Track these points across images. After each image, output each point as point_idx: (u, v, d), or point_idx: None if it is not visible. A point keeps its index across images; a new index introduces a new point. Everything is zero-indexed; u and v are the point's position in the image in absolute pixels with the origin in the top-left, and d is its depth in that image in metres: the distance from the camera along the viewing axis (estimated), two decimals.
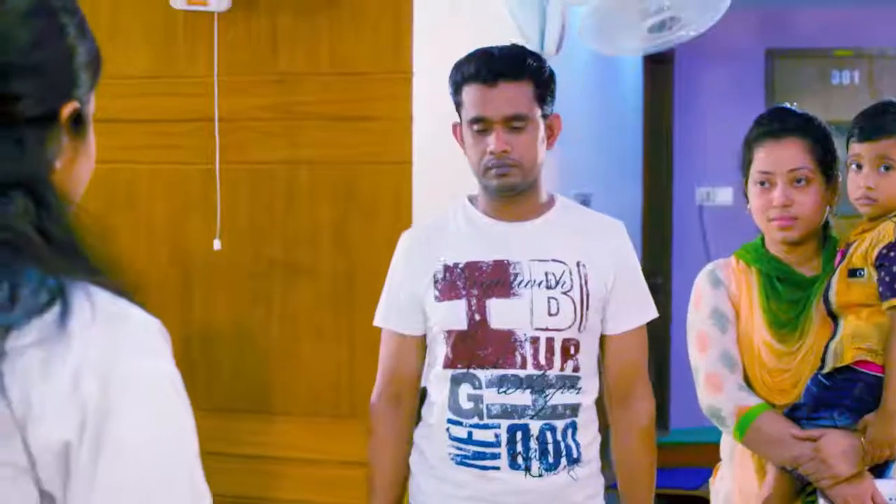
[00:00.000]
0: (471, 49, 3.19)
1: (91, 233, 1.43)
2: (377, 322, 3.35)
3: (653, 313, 3.34)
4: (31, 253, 1.35)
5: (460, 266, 3.20)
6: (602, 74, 7.24)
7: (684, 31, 5.10)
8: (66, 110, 1.45)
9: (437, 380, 3.25)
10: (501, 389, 3.14)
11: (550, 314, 3.15)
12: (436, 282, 3.22)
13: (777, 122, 3.25)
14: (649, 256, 8.39)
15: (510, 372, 3.14)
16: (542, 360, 3.14)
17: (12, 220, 1.36)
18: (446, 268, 3.22)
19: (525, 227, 3.24)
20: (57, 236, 1.38)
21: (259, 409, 4.42)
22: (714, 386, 3.22)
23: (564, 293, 3.17)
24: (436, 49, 4.32)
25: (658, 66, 8.60)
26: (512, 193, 3.19)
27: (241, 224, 4.43)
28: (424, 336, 3.29)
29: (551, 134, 3.24)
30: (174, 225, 4.51)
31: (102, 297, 1.38)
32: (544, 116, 3.20)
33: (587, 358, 3.21)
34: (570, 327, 3.16)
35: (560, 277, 3.18)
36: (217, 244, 4.38)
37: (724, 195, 8.40)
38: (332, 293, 4.34)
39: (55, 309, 1.33)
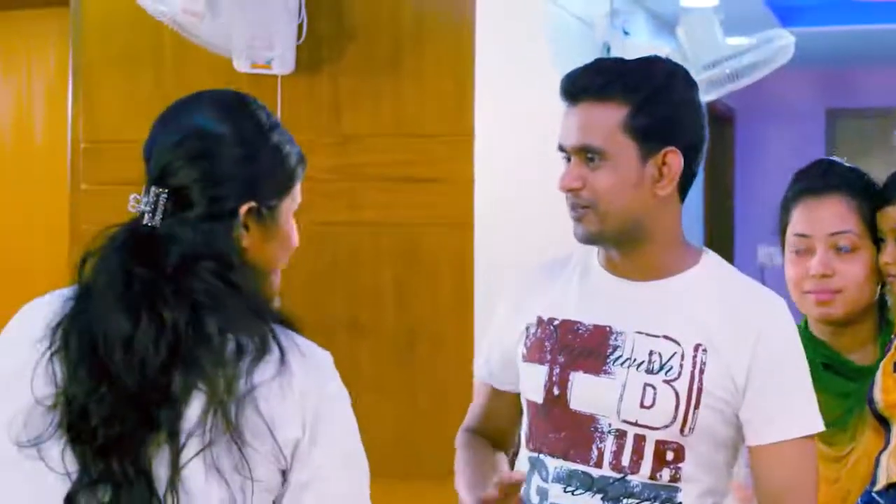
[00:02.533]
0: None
1: (270, 290, 2.14)
2: (475, 372, 2.75)
3: (812, 426, 2.43)
4: (234, 307, 1.97)
5: (556, 323, 2.51)
6: None
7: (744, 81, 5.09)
8: (243, 209, 2.02)
9: (521, 461, 2.60)
10: (568, 488, 2.44)
11: (643, 406, 2.40)
12: (527, 336, 2.55)
13: (818, 178, 2.72)
14: None
15: (581, 468, 2.43)
16: (625, 462, 2.40)
17: (212, 287, 1.96)
18: (540, 321, 2.54)
19: (643, 288, 2.48)
20: (248, 294, 1.99)
21: None
22: (744, 499, 2.58)
23: (667, 382, 2.40)
24: (497, 111, 4.34)
25: (720, 125, 8.59)
26: (600, 245, 2.51)
27: (303, 284, 4.45)
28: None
29: (662, 175, 2.43)
30: None
31: (295, 336, 2.02)
32: (648, 152, 2.42)
33: (698, 469, 2.42)
34: (666, 427, 2.39)
35: (667, 361, 2.41)
36: (277, 302, 4.39)
37: None
38: (394, 354, 4.34)
39: (275, 351, 1.94)
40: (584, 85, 2.44)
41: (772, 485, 2.43)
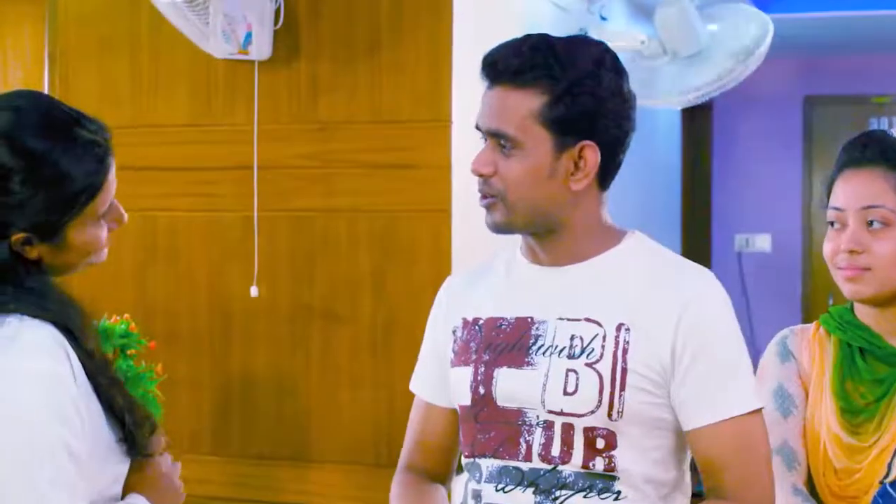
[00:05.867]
0: None
1: (58, 288, 2.13)
2: (410, 385, 2.70)
3: (747, 403, 2.31)
4: None
5: (480, 322, 2.44)
6: (639, 121, 7.24)
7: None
8: (13, 240, 2.10)
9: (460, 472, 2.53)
10: (500, 486, 2.36)
11: (566, 393, 2.30)
12: (454, 341, 2.48)
13: (858, 149, 2.57)
14: None
15: (511, 463, 2.35)
16: (555, 452, 2.31)
17: None
18: (465, 323, 2.47)
19: (564, 273, 2.38)
20: (17, 293, 2.06)
21: (298, 456, 4.41)
22: None
23: (589, 365, 2.29)
24: (474, 97, 4.33)
25: (696, 114, 8.59)
26: (512, 233, 2.41)
27: (280, 271, 4.44)
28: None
29: (578, 168, 2.32)
30: (213, 271, 4.53)
31: (14, 324, 2.03)
32: (563, 145, 2.31)
33: (636, 457, 2.31)
34: (592, 412, 2.28)
35: (588, 344, 2.31)
36: (254, 291, 4.39)
37: (762, 241, 8.36)
38: (371, 340, 4.34)
39: None
40: (504, 68, 2.31)
41: (711, 464, 2.31)
